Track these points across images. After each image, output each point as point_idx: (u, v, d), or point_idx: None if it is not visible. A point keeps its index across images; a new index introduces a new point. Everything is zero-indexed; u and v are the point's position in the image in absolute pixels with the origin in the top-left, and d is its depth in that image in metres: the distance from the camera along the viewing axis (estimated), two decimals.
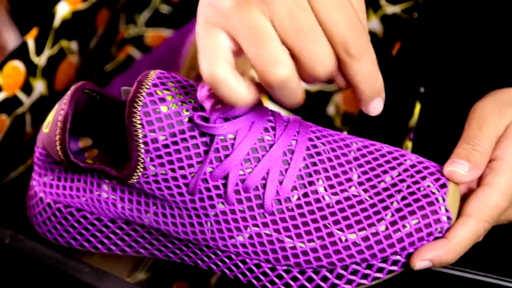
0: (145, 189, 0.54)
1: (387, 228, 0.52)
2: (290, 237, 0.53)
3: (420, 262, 0.52)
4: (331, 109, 0.78)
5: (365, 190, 0.53)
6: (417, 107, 0.67)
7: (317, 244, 0.52)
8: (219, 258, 0.55)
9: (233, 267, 0.55)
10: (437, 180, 0.53)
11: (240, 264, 0.55)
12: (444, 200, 0.52)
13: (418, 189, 0.53)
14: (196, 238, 0.55)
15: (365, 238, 0.52)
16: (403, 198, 0.53)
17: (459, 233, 0.52)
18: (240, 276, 0.55)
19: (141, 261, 0.65)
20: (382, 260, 0.52)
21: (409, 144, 0.67)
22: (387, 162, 0.55)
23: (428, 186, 0.53)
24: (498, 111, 0.56)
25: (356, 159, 0.55)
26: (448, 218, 0.52)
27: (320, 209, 0.53)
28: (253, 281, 0.55)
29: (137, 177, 0.53)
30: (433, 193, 0.53)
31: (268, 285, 0.55)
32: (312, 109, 0.78)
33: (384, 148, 0.55)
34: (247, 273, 0.55)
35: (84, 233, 0.59)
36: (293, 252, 0.53)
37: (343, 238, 0.52)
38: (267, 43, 0.46)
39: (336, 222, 0.53)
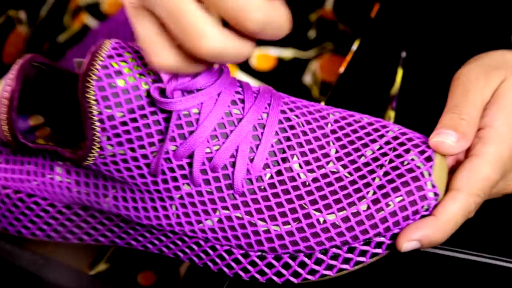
0: (103, 171, 0.51)
1: (369, 207, 0.50)
2: (263, 220, 0.50)
3: (407, 243, 0.49)
4: (307, 78, 0.76)
5: (344, 166, 0.51)
6: (399, 74, 0.66)
7: (293, 227, 0.50)
8: (186, 244, 0.53)
9: (202, 254, 0.53)
10: (422, 152, 0.51)
11: (210, 251, 0.52)
12: (430, 174, 0.50)
13: (402, 163, 0.50)
14: (160, 223, 0.52)
15: (345, 219, 0.50)
16: (386, 173, 0.50)
17: (449, 210, 0.50)
18: (210, 264, 0.53)
19: (104, 251, 0.62)
20: (364, 243, 0.50)
21: (391, 113, 0.65)
22: (368, 134, 0.52)
23: (413, 159, 0.50)
24: (483, 76, 0.54)
25: (333, 132, 0.52)
26: (435, 194, 0.50)
27: (296, 188, 0.51)
28: (224, 269, 0.52)
29: (93, 158, 0.51)
30: (418, 167, 0.50)
31: (241, 273, 0.52)
32: (287, 78, 0.76)
33: (364, 119, 0.53)
34: (218, 260, 0.52)
35: (36, 221, 0.56)
36: (267, 236, 0.51)
37: (321, 220, 0.50)
38: (187, 18, 0.44)
39: (313, 202, 0.50)
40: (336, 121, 0.53)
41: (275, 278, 0.51)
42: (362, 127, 0.53)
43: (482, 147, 0.51)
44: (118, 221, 0.54)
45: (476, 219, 0.52)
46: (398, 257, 0.53)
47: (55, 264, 0.51)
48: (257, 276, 0.52)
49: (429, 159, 0.51)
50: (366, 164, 0.51)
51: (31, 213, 0.56)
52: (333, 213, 0.50)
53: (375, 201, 0.50)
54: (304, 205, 0.50)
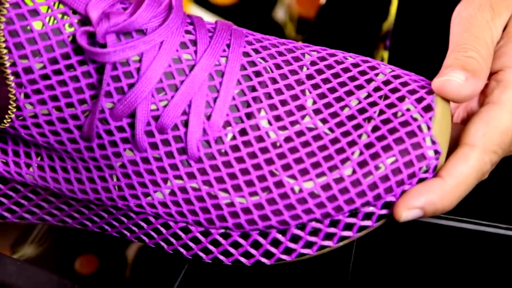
0: (23, 136, 0.44)
1: (354, 172, 0.44)
2: (225, 190, 0.44)
3: (407, 212, 0.44)
4: (280, 13, 0.69)
5: (324, 121, 0.45)
6: (394, 3, 0.60)
7: (262, 198, 0.44)
8: (132, 221, 0.45)
9: (152, 233, 0.45)
10: (419, 100, 0.44)
11: (162, 229, 0.45)
12: (429, 128, 0.44)
13: (395, 115, 0.44)
14: (98, 197, 0.45)
15: (326, 187, 0.44)
16: (375, 128, 0.44)
17: (459, 170, 0.44)
18: (163, 244, 0.45)
19: (29, 231, 0.54)
20: (350, 214, 0.44)
21: (384, 54, 0.62)
22: (352, 79, 0.46)
23: (408, 109, 0.44)
24: (489, 7, 0.47)
25: (310, 77, 0.46)
26: (436, 152, 0.44)
27: (264, 150, 0.44)
28: (181, 249, 0.45)
29: (9, 120, 0.44)
30: (415, 120, 0.44)
31: (201, 254, 0.45)
32: (253, 15, 0.69)
33: (348, 60, 0.46)
34: (172, 239, 0.45)
35: None
36: (231, 210, 0.44)
37: (297, 188, 0.44)
38: None
39: (286, 167, 0.44)
40: (313, 63, 0.46)
41: (243, 259, 0.44)
42: (346, 70, 0.46)
43: (502, 93, 0.45)
44: (47, 195, 0.46)
45: (488, 182, 0.46)
46: (392, 229, 0.48)
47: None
48: (221, 257, 0.44)
49: (428, 108, 0.44)
50: (351, 117, 0.45)
51: None
52: (310, 179, 0.43)
53: (362, 164, 0.44)
54: (275, 171, 0.44)
